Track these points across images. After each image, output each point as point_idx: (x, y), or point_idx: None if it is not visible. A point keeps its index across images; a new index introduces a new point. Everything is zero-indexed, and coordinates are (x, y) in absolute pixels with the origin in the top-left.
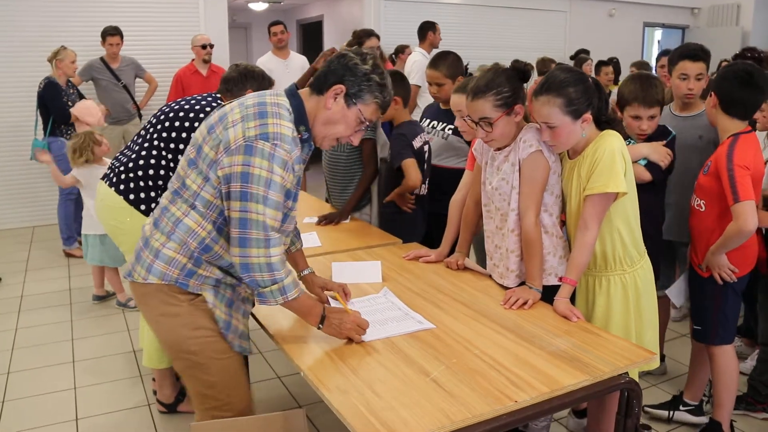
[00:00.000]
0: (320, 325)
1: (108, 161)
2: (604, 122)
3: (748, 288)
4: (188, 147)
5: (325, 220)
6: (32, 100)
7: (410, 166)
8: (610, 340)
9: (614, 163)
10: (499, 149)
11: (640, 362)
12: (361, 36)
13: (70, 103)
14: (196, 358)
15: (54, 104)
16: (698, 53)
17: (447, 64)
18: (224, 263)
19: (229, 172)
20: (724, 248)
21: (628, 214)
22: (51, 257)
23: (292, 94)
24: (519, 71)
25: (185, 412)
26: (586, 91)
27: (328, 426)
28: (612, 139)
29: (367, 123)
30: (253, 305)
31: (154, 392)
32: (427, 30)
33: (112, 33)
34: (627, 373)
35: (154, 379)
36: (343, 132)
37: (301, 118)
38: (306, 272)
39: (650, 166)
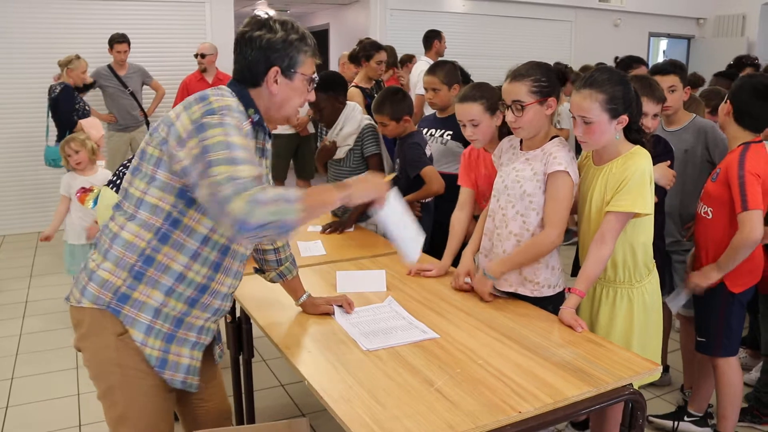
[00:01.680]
0: (349, 195)
1: (90, 174)
2: (635, 131)
3: (753, 298)
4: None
5: (330, 229)
6: (41, 106)
7: (432, 172)
8: (615, 351)
9: (644, 183)
10: (522, 149)
11: (644, 374)
12: (369, 49)
13: (86, 109)
14: (114, 393)
15: (65, 108)
16: (667, 67)
17: (444, 71)
18: (173, 275)
19: (188, 162)
20: (734, 261)
21: (645, 232)
22: (56, 263)
23: (234, 85)
24: (559, 71)
25: None
26: (628, 93)
27: None
28: (643, 159)
29: (314, 77)
30: (214, 339)
31: None
32: (432, 39)
33: (119, 40)
34: (631, 384)
35: None
36: (299, 102)
37: (246, 100)
38: (304, 297)
39: (657, 189)
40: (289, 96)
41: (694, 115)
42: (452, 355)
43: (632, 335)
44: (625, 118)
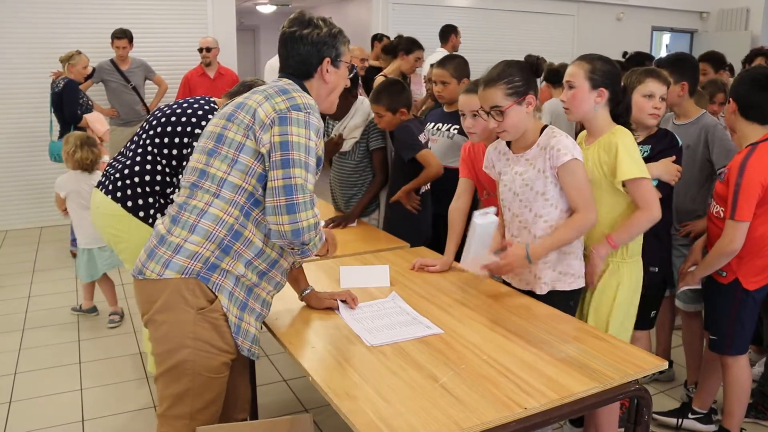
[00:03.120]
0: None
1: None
2: (622, 120)
3: None
4: (201, 140)
5: (333, 223)
6: (42, 101)
7: (428, 155)
8: (620, 346)
9: (635, 152)
10: (517, 152)
11: (649, 369)
12: (410, 45)
13: (89, 104)
14: (183, 367)
15: (69, 103)
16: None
17: (454, 64)
18: (254, 250)
19: (269, 147)
20: (712, 266)
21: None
22: (58, 258)
23: (291, 77)
24: (531, 65)
25: None
26: (612, 72)
27: (334, 431)
28: (626, 135)
29: (353, 64)
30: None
31: None
32: (449, 33)
33: (119, 36)
34: (637, 380)
35: None
36: (342, 87)
37: (306, 92)
38: (308, 291)
39: (661, 184)
40: (337, 82)
41: (704, 111)
42: (457, 350)
43: (614, 308)
44: (603, 91)
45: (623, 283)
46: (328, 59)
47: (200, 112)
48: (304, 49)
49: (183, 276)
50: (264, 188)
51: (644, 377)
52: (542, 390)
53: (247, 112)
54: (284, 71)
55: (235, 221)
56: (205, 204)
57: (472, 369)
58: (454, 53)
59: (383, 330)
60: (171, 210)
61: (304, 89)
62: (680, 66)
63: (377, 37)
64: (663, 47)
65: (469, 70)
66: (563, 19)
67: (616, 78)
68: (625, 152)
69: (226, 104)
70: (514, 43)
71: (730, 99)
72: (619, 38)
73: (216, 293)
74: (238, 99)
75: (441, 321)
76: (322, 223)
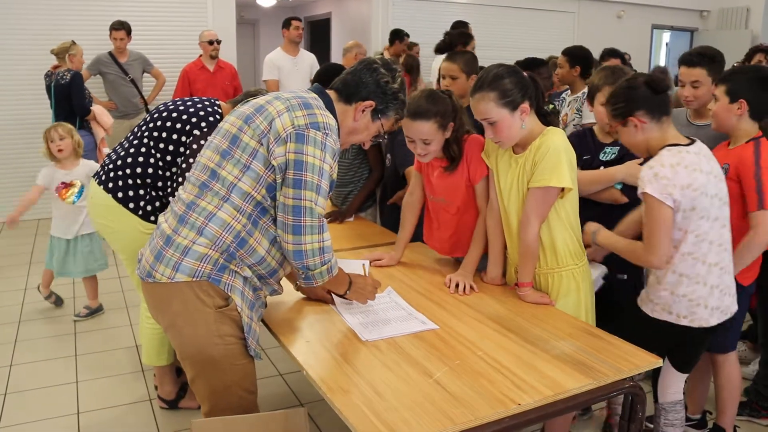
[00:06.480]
0: (347, 292)
1: (70, 168)
2: (542, 115)
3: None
4: (215, 137)
5: (330, 218)
6: (40, 93)
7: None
8: (614, 343)
9: (558, 158)
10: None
11: (643, 366)
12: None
13: (90, 96)
14: (216, 364)
15: (79, 95)
16: (693, 58)
17: (465, 59)
18: (255, 258)
19: (283, 160)
20: (745, 262)
21: (573, 210)
22: None
23: (322, 92)
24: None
25: (186, 408)
26: (519, 82)
27: (330, 425)
28: (555, 136)
29: (384, 135)
30: (265, 306)
31: (156, 388)
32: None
33: (117, 27)
34: (631, 377)
35: (155, 375)
36: (361, 140)
37: (333, 113)
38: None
39: (627, 188)
40: (360, 131)
41: None
42: (452, 346)
43: (581, 308)
44: (526, 107)
45: (582, 284)
46: (373, 104)
47: (202, 113)
48: (366, 80)
49: (194, 279)
50: (273, 198)
51: (639, 374)
52: (536, 386)
53: (265, 118)
54: (333, 83)
55: (243, 228)
56: (214, 207)
57: (466, 365)
58: (465, 50)
59: (378, 325)
60: (176, 208)
61: (333, 112)
62: (716, 63)
63: (397, 35)
64: (663, 46)
65: (477, 66)
66: (564, 16)
67: (526, 82)
68: (551, 159)
69: (247, 101)
70: (513, 40)
71: (742, 100)
72: (619, 36)
73: (229, 293)
74: (259, 101)
75: (436, 316)
76: (334, 259)
